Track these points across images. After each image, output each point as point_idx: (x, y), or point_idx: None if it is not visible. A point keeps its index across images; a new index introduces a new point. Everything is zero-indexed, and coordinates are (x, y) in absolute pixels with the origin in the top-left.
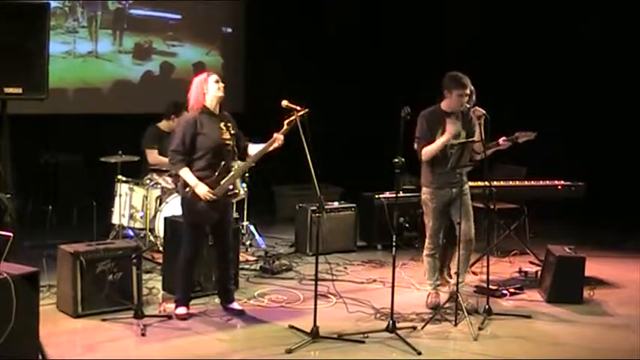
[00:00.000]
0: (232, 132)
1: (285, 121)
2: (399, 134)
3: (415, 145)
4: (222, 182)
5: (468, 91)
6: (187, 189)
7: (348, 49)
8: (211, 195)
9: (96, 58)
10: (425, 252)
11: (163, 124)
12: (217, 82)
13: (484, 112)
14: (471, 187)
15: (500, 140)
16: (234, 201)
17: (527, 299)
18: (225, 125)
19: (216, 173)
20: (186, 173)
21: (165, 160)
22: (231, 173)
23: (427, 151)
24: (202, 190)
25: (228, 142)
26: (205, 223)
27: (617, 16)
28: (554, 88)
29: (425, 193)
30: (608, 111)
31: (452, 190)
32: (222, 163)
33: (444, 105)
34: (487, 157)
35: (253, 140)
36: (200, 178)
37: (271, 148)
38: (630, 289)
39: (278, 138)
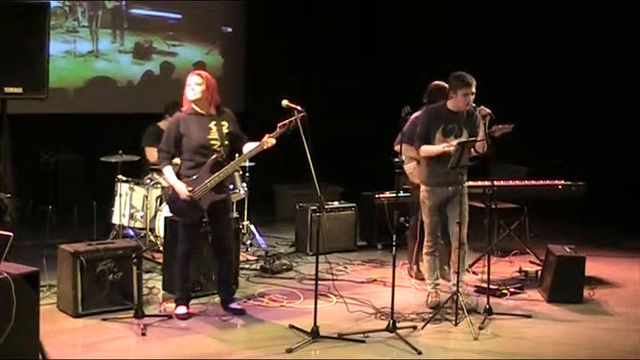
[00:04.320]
0: (227, 131)
1: (279, 124)
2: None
3: (397, 144)
4: (205, 181)
5: (473, 90)
6: (169, 187)
7: (347, 49)
8: (188, 194)
9: (96, 58)
10: (424, 250)
11: (163, 124)
12: (189, 84)
13: (489, 111)
14: (471, 186)
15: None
16: (234, 200)
17: (527, 299)
18: (216, 124)
19: (198, 173)
20: (167, 172)
21: None
22: (217, 173)
23: (425, 150)
24: (179, 188)
25: (214, 141)
26: (187, 221)
27: (616, 16)
28: (554, 87)
29: (422, 191)
30: (608, 111)
31: (448, 188)
32: (207, 162)
33: (450, 104)
34: (484, 155)
35: (253, 140)
36: (188, 177)
37: (261, 149)
38: (630, 288)
39: (268, 141)
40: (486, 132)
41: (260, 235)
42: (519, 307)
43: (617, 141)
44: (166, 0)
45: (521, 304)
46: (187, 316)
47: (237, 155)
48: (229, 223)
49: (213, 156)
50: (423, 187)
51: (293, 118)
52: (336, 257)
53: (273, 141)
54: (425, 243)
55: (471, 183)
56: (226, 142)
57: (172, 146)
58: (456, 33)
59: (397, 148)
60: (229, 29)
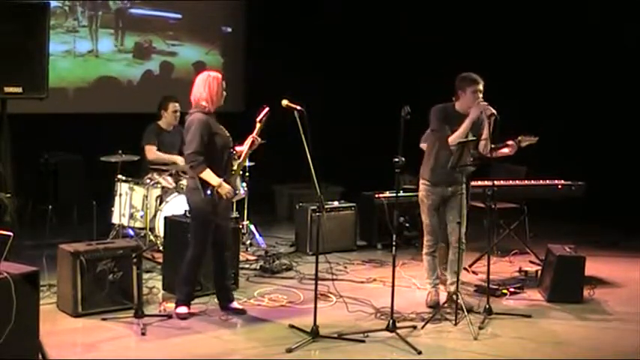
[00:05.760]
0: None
1: (257, 119)
2: (400, 133)
3: (423, 143)
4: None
5: (480, 87)
6: (209, 189)
7: (347, 49)
8: (232, 193)
9: (96, 58)
10: (424, 250)
11: (163, 122)
12: (224, 88)
13: (494, 111)
14: (471, 186)
15: (509, 144)
16: (234, 200)
17: (527, 299)
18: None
19: (226, 172)
20: (208, 174)
21: (164, 156)
22: (233, 172)
23: (455, 137)
24: (225, 188)
25: (231, 140)
26: (218, 221)
27: (615, 15)
28: (555, 87)
29: (421, 190)
30: (608, 111)
31: (447, 188)
32: (229, 161)
33: (457, 105)
34: (493, 159)
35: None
36: (219, 177)
37: (254, 147)
38: (630, 288)
39: (255, 139)
40: (490, 132)
41: (260, 235)
42: (519, 307)
43: (617, 141)
44: (166, 0)
45: (521, 303)
46: (187, 316)
47: None
48: (230, 223)
49: (231, 154)
50: (422, 186)
51: (264, 115)
52: (336, 257)
53: (258, 138)
54: (425, 243)
55: (471, 183)
56: None
57: (204, 147)
58: (456, 33)
59: (422, 146)
60: (229, 29)
